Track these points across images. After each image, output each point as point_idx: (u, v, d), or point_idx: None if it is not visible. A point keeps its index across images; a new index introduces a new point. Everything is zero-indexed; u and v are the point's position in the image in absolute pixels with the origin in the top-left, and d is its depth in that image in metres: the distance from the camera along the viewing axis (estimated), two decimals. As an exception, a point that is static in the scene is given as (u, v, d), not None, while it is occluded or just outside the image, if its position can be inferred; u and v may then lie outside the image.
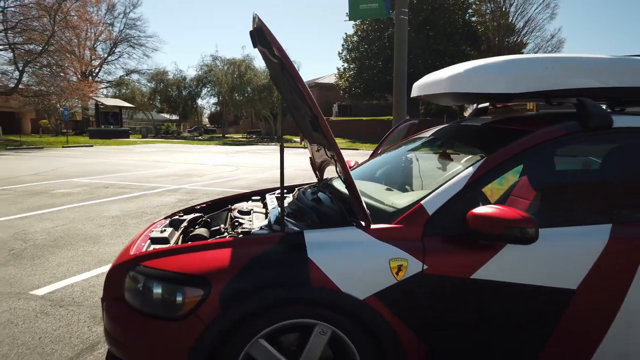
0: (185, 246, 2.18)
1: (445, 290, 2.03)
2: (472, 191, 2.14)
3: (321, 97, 47.05)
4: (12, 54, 29.55)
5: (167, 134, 47.82)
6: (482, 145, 2.52)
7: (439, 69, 2.92)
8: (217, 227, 2.72)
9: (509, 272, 2.04)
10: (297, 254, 2.00)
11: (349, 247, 2.03)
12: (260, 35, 2.23)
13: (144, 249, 2.37)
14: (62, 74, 32.61)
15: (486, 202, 2.26)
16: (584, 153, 2.94)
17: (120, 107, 41.92)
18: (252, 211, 3.05)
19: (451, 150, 2.90)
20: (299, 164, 16.14)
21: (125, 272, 2.16)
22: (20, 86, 30.31)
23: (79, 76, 41.15)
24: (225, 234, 2.57)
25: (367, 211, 2.11)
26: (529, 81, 2.40)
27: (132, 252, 2.33)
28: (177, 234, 2.72)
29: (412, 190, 2.95)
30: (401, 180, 3.13)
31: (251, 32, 2.32)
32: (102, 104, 39.99)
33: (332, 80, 45.51)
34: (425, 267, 2.00)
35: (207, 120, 65.77)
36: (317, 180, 3.58)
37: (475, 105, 3.42)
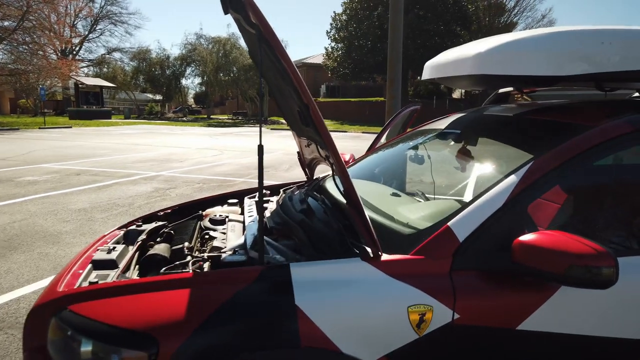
0: (126, 283, 1.60)
1: (482, 346, 1.50)
2: (516, 208, 1.60)
3: (309, 78, 46.13)
4: (-15, 30, 28.11)
5: (151, 115, 46.50)
6: (519, 143, 1.96)
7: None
8: (181, 245, 2.12)
9: (571, 321, 1.51)
10: (281, 299, 1.45)
11: (352, 288, 1.48)
12: (232, -4, 1.64)
13: (78, 281, 1.79)
14: (40, 52, 31.28)
15: (533, 223, 1.72)
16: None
17: (102, 87, 40.50)
18: (226, 219, 2.48)
19: (474, 147, 2.33)
20: (286, 147, 15.51)
21: (49, 316, 1.60)
22: (-5, 64, 28.98)
23: (59, 54, 39.62)
24: (188, 257, 1.98)
25: (376, 238, 1.55)
26: (580, 61, 1.87)
27: (60, 287, 1.75)
28: (130, 251, 2.13)
29: (423, 195, 2.39)
30: (410, 183, 2.57)
31: (220, -7, 1.73)
32: (83, 84, 38.58)
33: (319, 60, 44.52)
34: (456, 315, 1.46)
35: (192, 100, 64.26)
36: (305, 179, 3.01)
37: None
